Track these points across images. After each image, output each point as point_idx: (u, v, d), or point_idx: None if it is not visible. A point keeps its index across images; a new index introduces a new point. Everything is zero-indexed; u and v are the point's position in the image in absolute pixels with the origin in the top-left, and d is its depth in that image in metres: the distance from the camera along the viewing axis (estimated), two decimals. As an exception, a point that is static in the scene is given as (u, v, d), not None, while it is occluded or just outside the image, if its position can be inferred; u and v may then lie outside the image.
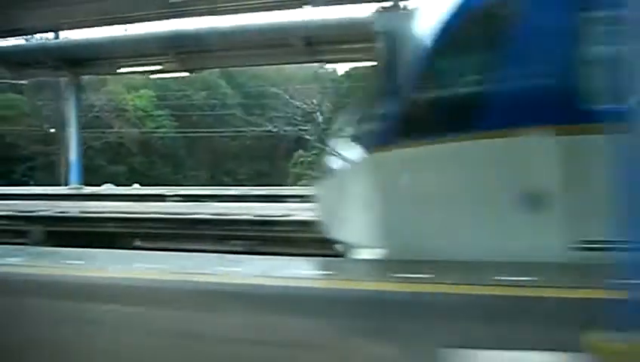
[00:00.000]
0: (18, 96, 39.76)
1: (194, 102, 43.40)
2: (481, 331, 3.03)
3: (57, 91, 38.88)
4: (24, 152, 38.09)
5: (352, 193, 5.01)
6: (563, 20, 4.11)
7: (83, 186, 16.59)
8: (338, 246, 5.78)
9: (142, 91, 42.42)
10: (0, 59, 15.88)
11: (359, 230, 5.03)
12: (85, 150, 37.59)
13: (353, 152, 5.08)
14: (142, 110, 41.34)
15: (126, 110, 39.52)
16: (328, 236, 5.84)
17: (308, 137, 37.18)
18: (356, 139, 5.16)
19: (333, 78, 37.91)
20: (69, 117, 17.28)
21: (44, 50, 15.57)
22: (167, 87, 43.42)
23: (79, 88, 17.51)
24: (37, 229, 8.63)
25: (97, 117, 37.48)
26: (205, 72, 42.70)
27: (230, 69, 42.69)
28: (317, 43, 13.39)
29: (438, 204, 4.35)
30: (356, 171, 4.90)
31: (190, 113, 43.52)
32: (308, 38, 13.16)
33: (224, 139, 44.40)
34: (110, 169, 38.14)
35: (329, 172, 5.48)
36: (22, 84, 40.13)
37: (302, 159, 36.51)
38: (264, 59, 15.82)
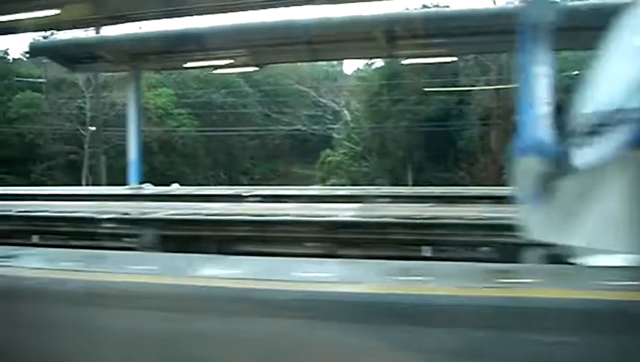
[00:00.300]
0: (37, 95, 39.02)
1: (214, 101, 42.72)
2: None
3: (79, 89, 38.26)
4: (43, 151, 37.35)
5: (608, 193, 4.41)
6: None
7: (143, 186, 15.92)
8: (548, 250, 5.26)
9: (161, 90, 41.72)
10: (56, 53, 15.18)
11: (607, 233, 4.46)
12: (107, 149, 36.97)
13: (606, 149, 4.46)
14: (162, 108, 40.64)
15: (147, 108, 38.77)
16: (532, 239, 5.30)
17: (335, 136, 36.57)
18: (611, 134, 4.54)
19: (362, 75, 37.27)
20: (130, 113, 16.57)
21: (103, 44, 14.87)
22: (186, 85, 42.81)
23: (139, 84, 16.81)
24: (149, 233, 7.99)
25: (120, 115, 36.74)
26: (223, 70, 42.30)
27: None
28: (399, 37, 12.82)
29: None
30: (622, 169, 4.29)
31: (210, 111, 42.88)
32: (390, 33, 12.58)
33: (244, 138, 43.80)
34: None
35: (561, 170, 4.87)
36: (41, 82, 39.46)
37: (329, 158, 35.91)
38: (339, 53, 15.21)
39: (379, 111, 32.56)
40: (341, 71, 56.34)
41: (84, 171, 37.04)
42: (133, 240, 8.12)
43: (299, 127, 36.67)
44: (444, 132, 30.62)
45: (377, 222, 7.56)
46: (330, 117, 36.81)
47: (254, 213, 8.71)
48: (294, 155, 45.41)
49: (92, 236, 8.21)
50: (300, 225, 7.76)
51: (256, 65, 16.13)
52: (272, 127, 40.41)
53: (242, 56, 13.96)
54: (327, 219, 7.86)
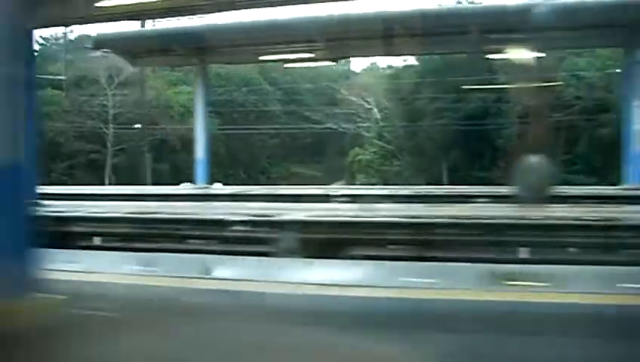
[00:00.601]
0: (57, 92, 38.13)
1: (235, 99, 41.97)
2: None
3: (100, 86, 37.36)
4: (64, 150, 36.47)
5: None
6: None
7: (210, 185, 15.24)
8: None
9: (181, 87, 40.91)
10: (120, 45, 14.44)
11: None
12: (126, 148, 36.20)
13: None
14: (182, 106, 39.83)
15: (170, 106, 38.11)
16: None
17: (365, 134, 35.90)
18: None
19: (393, 73, 36.57)
20: (197, 110, 15.82)
21: (172, 36, 14.12)
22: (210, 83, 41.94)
23: (206, 79, 16.05)
24: (289, 236, 7.35)
25: (147, 113, 36.07)
26: (243, 68, 41.61)
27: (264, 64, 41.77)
28: (493, 31, 12.18)
29: None
30: None
31: (231, 110, 42.14)
32: (483, 26, 11.93)
33: (264, 136, 43.15)
34: (155, 167, 36.71)
35: None
36: (60, 79, 38.59)
37: (360, 157, 35.28)
38: (428, 47, 14.51)
39: (413, 109, 31.98)
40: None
41: (107, 170, 36.23)
42: (272, 244, 7.49)
43: (329, 125, 35.98)
44: (481, 130, 30.15)
45: (550, 224, 6.94)
46: (363, 115, 36.12)
47: (381, 213, 8.10)
48: (332, 153, 44.69)
49: (227, 240, 7.58)
50: (456, 227, 7.15)
51: (333, 60, 15.45)
52: (301, 126, 39.67)
53: (320, 49, 13.28)
54: (481, 221, 7.25)
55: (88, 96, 37.12)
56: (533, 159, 9.75)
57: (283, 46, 13.66)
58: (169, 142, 37.74)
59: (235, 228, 7.63)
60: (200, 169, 15.70)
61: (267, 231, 7.54)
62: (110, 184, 34.62)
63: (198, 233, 7.64)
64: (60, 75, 38.87)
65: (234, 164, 43.17)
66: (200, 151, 15.72)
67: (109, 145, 36.29)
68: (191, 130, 39.03)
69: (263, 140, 43.83)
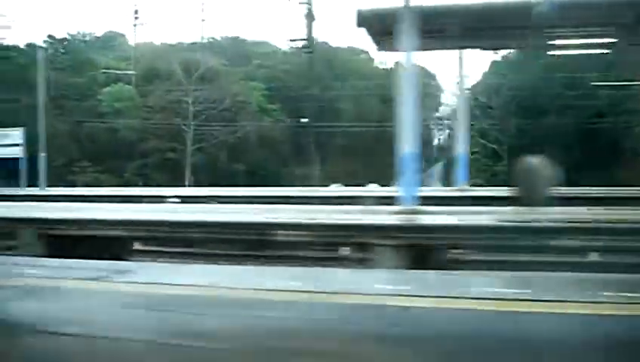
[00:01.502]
0: (128, 87, 35.67)
1: (311, 96, 39.70)
2: None
3: (172, 82, 34.88)
4: (138, 148, 33.96)
5: None
6: None
7: (468, 186, 13.30)
8: None
9: (252, 83, 38.68)
10: (366, 22, 12.17)
11: None
12: (207, 147, 33.87)
13: None
14: (257, 104, 37.66)
15: (248, 103, 35.88)
16: None
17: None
18: None
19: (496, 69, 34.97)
20: (459, 103, 13.77)
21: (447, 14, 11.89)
22: (280, 80, 39.80)
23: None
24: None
25: (228, 110, 33.90)
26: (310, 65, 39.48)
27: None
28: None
29: None
30: None
31: (302, 105, 39.94)
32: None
33: (331, 134, 41.01)
34: (231, 167, 34.38)
35: None
36: (130, 74, 36.19)
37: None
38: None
39: (527, 105, 30.49)
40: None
41: (187, 171, 33.73)
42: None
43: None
44: (603, 128, 28.91)
45: None
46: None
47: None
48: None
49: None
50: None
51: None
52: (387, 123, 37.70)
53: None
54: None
55: (164, 92, 34.64)
56: (535, 160, 9.34)
57: (583, 29, 11.63)
58: (245, 141, 35.20)
59: None
60: (461, 167, 13.59)
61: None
62: (190, 185, 32.11)
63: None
64: (128, 69, 36.43)
65: (304, 162, 41.08)
66: (460, 147, 13.56)
67: (188, 143, 33.83)
68: (262, 128, 36.76)
69: (329, 138, 41.82)
